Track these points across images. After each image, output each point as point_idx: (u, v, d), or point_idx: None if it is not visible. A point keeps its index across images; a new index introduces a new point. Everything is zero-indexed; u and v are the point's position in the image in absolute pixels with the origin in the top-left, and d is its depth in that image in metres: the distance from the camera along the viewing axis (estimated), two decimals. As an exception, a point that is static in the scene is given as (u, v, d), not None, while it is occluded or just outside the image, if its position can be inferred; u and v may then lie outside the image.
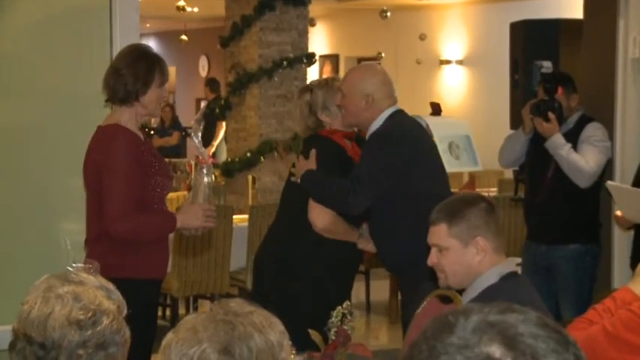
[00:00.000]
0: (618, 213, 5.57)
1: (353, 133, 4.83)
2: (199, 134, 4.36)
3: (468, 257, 3.15)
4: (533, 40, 6.12)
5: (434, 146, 4.84)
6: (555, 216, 5.63)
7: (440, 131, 7.40)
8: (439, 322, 1.31)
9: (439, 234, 3.19)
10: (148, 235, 4.28)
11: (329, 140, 4.74)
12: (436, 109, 13.83)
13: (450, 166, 7.15)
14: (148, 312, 4.31)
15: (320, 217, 4.66)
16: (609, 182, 5.43)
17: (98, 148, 4.26)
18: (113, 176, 4.16)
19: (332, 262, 4.70)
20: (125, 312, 2.12)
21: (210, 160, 4.41)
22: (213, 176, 4.47)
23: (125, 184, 4.16)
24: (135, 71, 4.26)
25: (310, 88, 4.84)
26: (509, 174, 8.63)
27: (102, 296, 2.08)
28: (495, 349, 1.25)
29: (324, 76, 15.92)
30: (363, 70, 4.88)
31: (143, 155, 4.26)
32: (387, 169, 4.54)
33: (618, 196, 5.37)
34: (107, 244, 4.23)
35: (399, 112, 4.71)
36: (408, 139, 4.61)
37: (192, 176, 4.54)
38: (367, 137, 4.68)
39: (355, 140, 4.83)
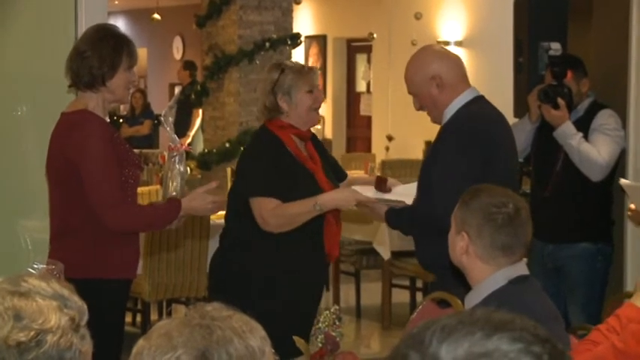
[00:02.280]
0: (632, 206, 5.57)
1: (307, 133, 4.75)
2: (170, 119, 4.37)
3: (456, 244, 3.27)
4: (538, 20, 6.12)
5: (508, 142, 4.56)
6: (564, 212, 5.62)
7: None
8: (412, 336, 1.31)
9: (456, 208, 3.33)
10: (151, 224, 4.34)
11: (270, 134, 4.67)
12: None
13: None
14: (115, 317, 4.31)
15: (268, 221, 4.58)
16: (623, 180, 5.43)
17: (67, 135, 4.24)
18: (95, 162, 4.15)
19: (289, 266, 4.64)
20: (85, 320, 2.11)
21: (183, 147, 4.41)
22: (187, 166, 4.47)
23: (110, 169, 4.16)
24: (100, 53, 4.26)
25: (282, 68, 4.71)
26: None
27: (51, 309, 2.05)
28: None
29: (310, 59, 15.92)
30: (418, 55, 4.63)
31: (116, 143, 4.27)
32: (459, 178, 4.24)
33: (634, 195, 5.35)
34: (72, 241, 4.22)
35: (477, 101, 4.51)
36: (485, 137, 4.38)
37: (164, 166, 4.54)
38: (441, 130, 4.48)
39: (312, 140, 4.80)
